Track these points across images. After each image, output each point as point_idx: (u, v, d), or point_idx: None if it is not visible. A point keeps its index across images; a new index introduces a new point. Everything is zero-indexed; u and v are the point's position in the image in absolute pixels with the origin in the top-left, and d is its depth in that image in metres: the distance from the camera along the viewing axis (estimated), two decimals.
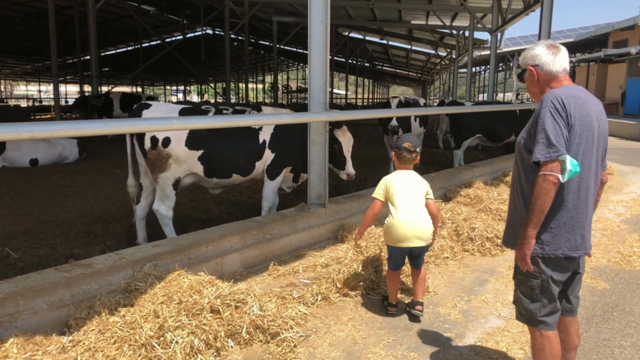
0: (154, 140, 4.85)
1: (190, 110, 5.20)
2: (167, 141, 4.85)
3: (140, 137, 4.92)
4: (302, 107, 30.21)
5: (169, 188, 5.02)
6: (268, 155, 5.47)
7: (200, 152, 5.02)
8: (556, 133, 2.36)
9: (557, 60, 2.56)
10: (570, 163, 2.32)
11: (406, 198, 3.69)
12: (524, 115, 10.05)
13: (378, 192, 3.80)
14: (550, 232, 2.49)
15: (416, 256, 3.80)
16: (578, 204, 2.49)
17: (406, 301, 4.03)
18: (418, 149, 3.80)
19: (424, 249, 3.80)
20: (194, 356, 2.96)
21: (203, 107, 5.37)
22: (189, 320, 3.11)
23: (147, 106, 5.05)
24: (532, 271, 2.53)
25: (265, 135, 5.42)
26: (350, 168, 5.74)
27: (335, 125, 5.59)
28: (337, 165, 5.79)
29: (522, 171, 2.58)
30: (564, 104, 2.39)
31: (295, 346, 3.28)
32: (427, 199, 3.78)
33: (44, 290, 3.15)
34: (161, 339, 2.97)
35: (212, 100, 43.61)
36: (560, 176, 2.33)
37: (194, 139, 4.96)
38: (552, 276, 2.53)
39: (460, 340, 3.50)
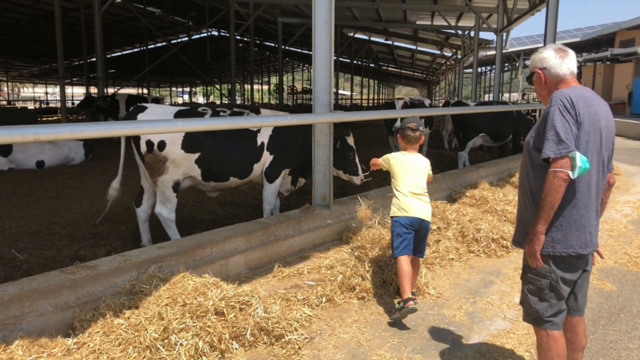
0: (149, 144, 4.83)
1: (186, 112, 5.14)
2: (162, 144, 4.81)
3: (137, 140, 4.90)
4: (307, 109, 30.19)
5: (169, 191, 5.00)
6: (266, 158, 5.43)
7: (196, 155, 4.98)
8: (565, 130, 2.38)
9: (565, 63, 2.59)
10: (580, 159, 2.33)
11: (411, 178, 3.92)
12: (520, 114, 10.20)
13: (383, 159, 4.11)
14: (561, 230, 2.50)
15: (421, 239, 3.90)
16: (588, 202, 2.51)
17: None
18: (421, 128, 4.05)
19: (427, 228, 3.91)
20: (198, 358, 2.97)
21: (200, 110, 5.30)
22: (194, 322, 3.11)
23: (143, 109, 5.03)
24: (542, 269, 2.53)
25: (263, 138, 5.37)
26: (361, 173, 5.79)
27: (342, 131, 5.56)
28: (351, 172, 5.77)
29: (531, 170, 2.60)
30: (573, 102, 2.42)
31: (299, 348, 3.28)
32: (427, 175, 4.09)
33: (49, 292, 3.17)
34: (166, 341, 2.98)
35: (218, 102, 43.63)
36: (570, 172, 2.35)
37: (190, 142, 4.90)
38: (563, 276, 2.53)
39: (465, 342, 3.48)
